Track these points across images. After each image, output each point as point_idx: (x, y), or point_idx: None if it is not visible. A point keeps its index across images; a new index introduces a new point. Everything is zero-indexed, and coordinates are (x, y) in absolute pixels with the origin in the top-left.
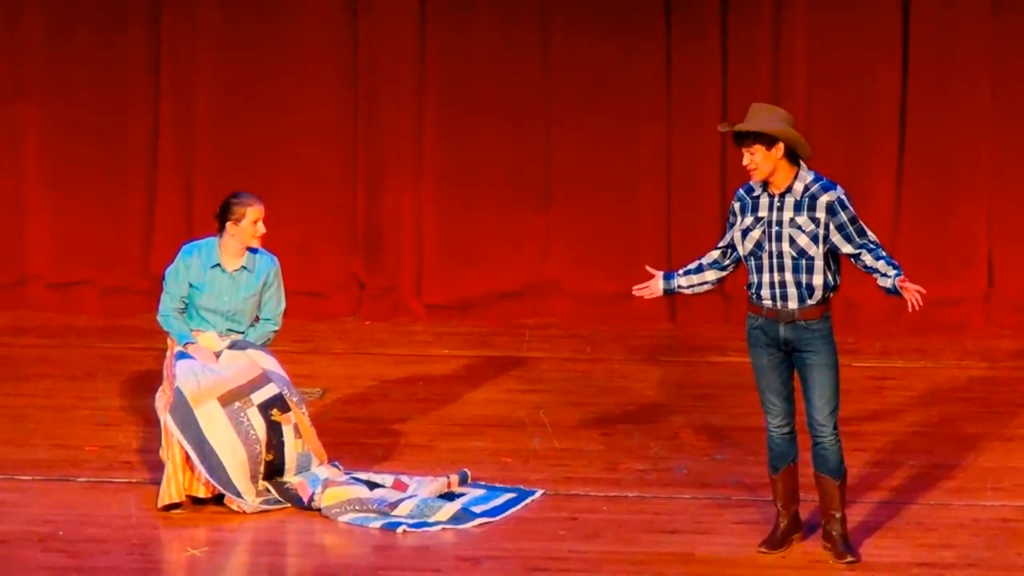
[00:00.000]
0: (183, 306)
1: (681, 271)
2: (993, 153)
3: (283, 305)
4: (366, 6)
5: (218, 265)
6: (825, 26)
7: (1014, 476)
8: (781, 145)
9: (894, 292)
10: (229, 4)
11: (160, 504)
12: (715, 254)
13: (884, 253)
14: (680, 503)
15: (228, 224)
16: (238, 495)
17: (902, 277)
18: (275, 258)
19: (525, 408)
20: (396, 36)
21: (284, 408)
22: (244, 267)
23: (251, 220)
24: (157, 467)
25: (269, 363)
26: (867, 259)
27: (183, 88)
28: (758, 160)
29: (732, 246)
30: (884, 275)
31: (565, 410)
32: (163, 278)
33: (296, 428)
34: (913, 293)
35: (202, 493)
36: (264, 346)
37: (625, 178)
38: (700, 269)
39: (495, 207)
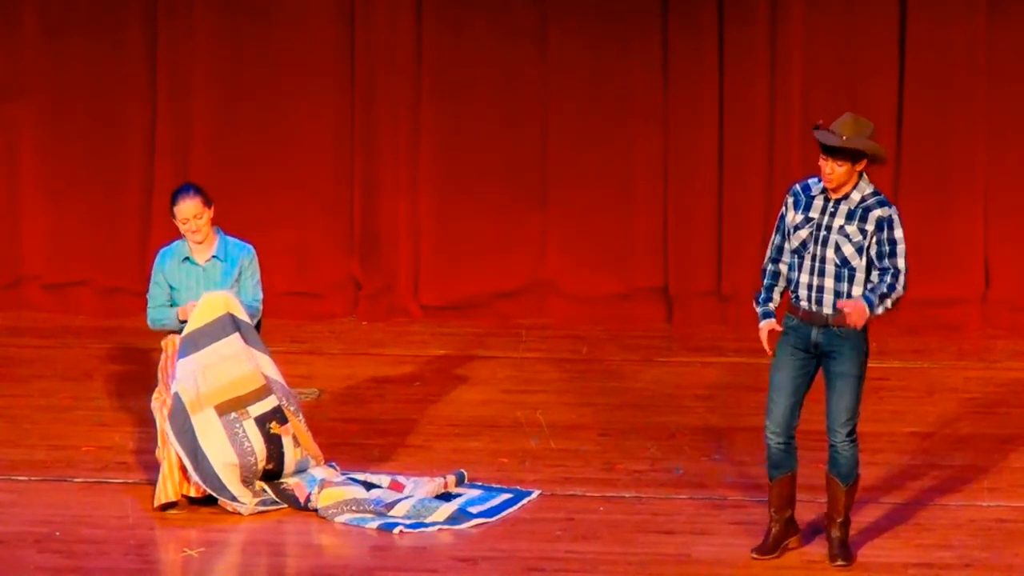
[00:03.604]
0: (169, 307)
1: (767, 302)
2: (990, 153)
3: (261, 295)
4: (363, 7)
5: (188, 259)
6: (822, 26)
7: (1011, 476)
8: (864, 161)
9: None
10: (226, 6)
11: (156, 504)
12: (782, 268)
13: (884, 289)
14: (677, 504)
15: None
16: (233, 499)
17: (858, 302)
18: (251, 247)
19: (522, 409)
20: (393, 37)
21: (282, 420)
22: (216, 256)
23: (180, 219)
24: (153, 467)
25: (272, 371)
26: (875, 284)
27: (180, 89)
28: (842, 174)
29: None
30: (870, 291)
31: (562, 411)
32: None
33: (295, 438)
34: (849, 315)
35: (193, 493)
36: (258, 333)
37: (622, 178)
38: (777, 283)
39: (492, 208)
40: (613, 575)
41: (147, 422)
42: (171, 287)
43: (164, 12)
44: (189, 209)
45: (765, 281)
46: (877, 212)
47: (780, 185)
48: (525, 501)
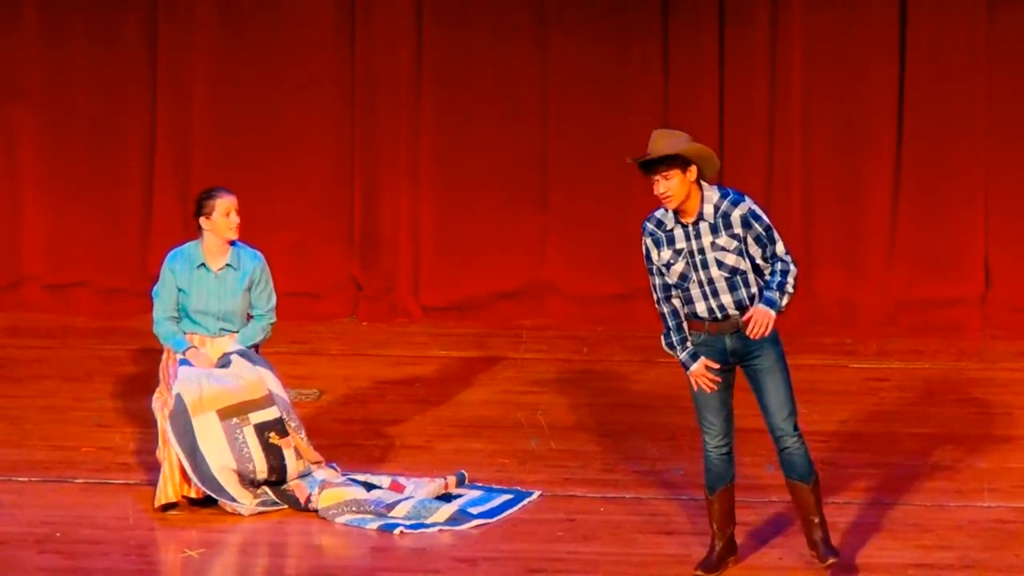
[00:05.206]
0: (177, 315)
1: (684, 342)
2: (990, 154)
3: (274, 300)
4: (363, 8)
5: (203, 265)
6: (822, 26)
7: (1011, 477)
8: (694, 167)
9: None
10: (226, 7)
11: (156, 504)
12: (676, 304)
13: (779, 280)
14: (677, 504)
15: (201, 220)
16: (233, 500)
17: (760, 308)
18: (261, 255)
19: (522, 409)
20: (393, 37)
21: (282, 433)
22: (229, 265)
23: (222, 212)
24: (154, 468)
25: (275, 385)
26: (767, 279)
27: (180, 89)
28: (674, 186)
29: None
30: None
31: (562, 411)
32: (151, 294)
33: (296, 451)
34: (755, 326)
35: (194, 494)
36: (261, 352)
37: (622, 179)
38: (681, 320)
39: (492, 208)
40: None
41: (148, 423)
42: (181, 290)
43: (164, 12)
44: (232, 202)
45: (670, 323)
46: (736, 212)
47: (780, 185)
48: (526, 502)
